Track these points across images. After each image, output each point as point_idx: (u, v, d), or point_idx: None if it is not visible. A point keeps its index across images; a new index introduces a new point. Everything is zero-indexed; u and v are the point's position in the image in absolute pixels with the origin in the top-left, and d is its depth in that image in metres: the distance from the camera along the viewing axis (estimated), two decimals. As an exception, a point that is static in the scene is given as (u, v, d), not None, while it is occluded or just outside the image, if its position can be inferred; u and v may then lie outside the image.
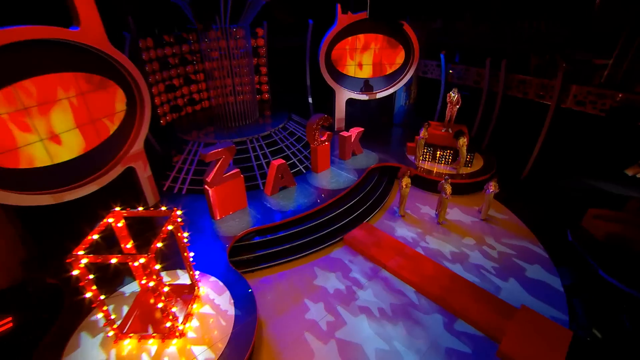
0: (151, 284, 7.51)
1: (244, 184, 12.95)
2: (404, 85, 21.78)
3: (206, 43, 15.85)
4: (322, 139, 15.34)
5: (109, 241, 8.85)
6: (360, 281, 11.37)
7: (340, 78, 19.40)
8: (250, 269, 11.70)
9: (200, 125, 17.29)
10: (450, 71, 19.80)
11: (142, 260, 7.24)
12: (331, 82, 19.04)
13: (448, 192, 13.56)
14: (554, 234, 13.30)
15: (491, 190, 13.84)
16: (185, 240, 9.36)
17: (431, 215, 14.49)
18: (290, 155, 16.06)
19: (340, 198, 14.03)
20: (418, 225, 13.88)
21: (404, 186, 13.93)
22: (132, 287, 10.17)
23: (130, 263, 7.37)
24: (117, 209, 8.51)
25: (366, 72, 19.97)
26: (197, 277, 10.15)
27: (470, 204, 15.21)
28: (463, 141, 15.61)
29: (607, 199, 15.24)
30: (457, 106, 16.68)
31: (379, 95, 20.37)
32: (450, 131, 17.11)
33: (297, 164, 15.88)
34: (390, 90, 20.50)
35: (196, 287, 9.90)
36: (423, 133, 16.17)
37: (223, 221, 12.54)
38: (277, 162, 14.01)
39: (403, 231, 13.51)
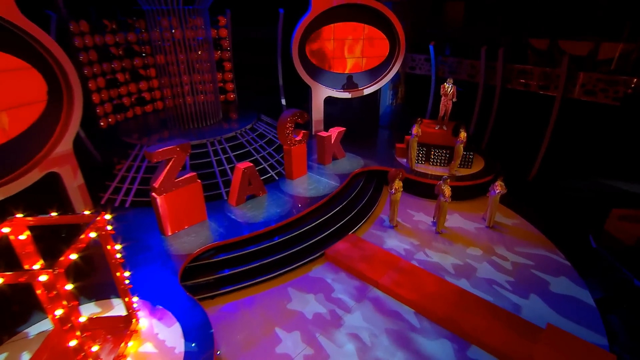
0: (58, 312, 5.88)
1: (202, 191, 11.62)
2: (390, 82, 20.95)
3: (157, 32, 14.57)
4: (297, 138, 14.19)
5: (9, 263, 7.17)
6: (346, 303, 10.10)
7: (317, 73, 18.52)
8: (210, 294, 10.34)
9: (151, 129, 15.86)
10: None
11: (43, 278, 5.63)
12: (306, 77, 18.07)
13: (447, 195, 12.48)
14: (574, 239, 12.53)
15: (497, 192, 12.85)
16: (119, 255, 7.78)
17: (428, 224, 13.59)
18: (260, 159, 14.82)
19: (320, 206, 12.99)
20: (413, 235, 12.93)
21: (395, 191, 12.82)
22: (43, 326, 8.46)
23: (32, 283, 5.76)
24: (19, 215, 6.90)
25: (347, 67, 19.15)
26: (135, 305, 8.52)
27: (473, 209, 14.43)
28: (464, 135, 14.70)
29: (628, 198, 14.53)
30: (453, 100, 15.76)
31: (362, 93, 19.37)
32: (446, 128, 16.16)
33: (268, 169, 14.66)
34: (375, 87, 19.70)
35: (134, 320, 8.28)
36: (416, 130, 15.25)
37: (176, 237, 11.07)
38: (244, 165, 12.78)
39: (395, 243, 12.53)
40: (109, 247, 7.61)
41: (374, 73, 19.64)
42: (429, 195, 15.02)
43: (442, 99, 15.90)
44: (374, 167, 15.82)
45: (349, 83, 19.21)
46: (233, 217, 12.04)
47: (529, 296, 10.27)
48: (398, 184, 12.96)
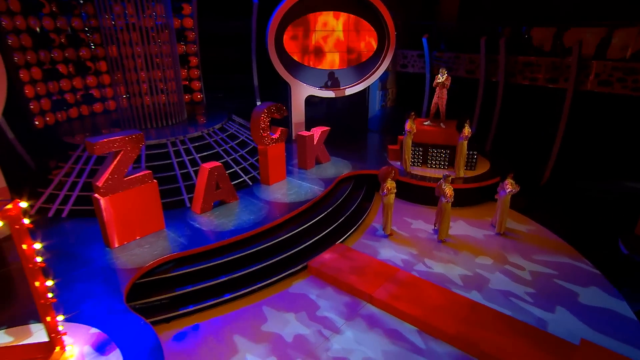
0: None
1: (158, 193, 10.65)
2: (380, 80, 20.44)
3: (108, 20, 13.63)
4: (274, 137, 13.40)
5: None
6: (334, 322, 9.14)
7: (297, 69, 17.85)
8: (166, 315, 9.21)
9: (100, 130, 14.77)
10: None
11: None
12: (284, 73, 17.37)
13: (449, 195, 11.63)
14: (601, 246, 11.96)
15: (508, 191, 12.05)
16: (39, 258, 6.55)
17: (428, 232, 12.93)
18: (231, 162, 13.90)
19: (301, 212, 12.18)
20: (411, 244, 12.22)
21: (387, 192, 12.08)
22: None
23: None
24: None
25: (330, 62, 18.52)
26: (62, 328, 7.22)
27: (479, 216, 13.88)
28: (468, 130, 14.09)
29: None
30: (444, 91, 15.20)
31: (349, 92, 18.80)
32: (444, 126, 15.46)
33: (240, 173, 13.76)
34: (363, 85, 19.11)
35: (58, 347, 6.99)
36: (409, 125, 14.52)
37: (124, 249, 9.98)
38: (211, 164, 11.83)
39: (391, 253, 11.80)
40: (24, 246, 6.38)
41: (362, 69, 19.10)
42: (427, 201, 14.37)
43: (436, 91, 15.28)
44: (364, 171, 15.14)
45: (333, 80, 18.60)
46: (197, 225, 11.08)
47: (555, 309, 9.54)
48: (391, 184, 12.14)
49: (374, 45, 18.95)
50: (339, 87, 18.73)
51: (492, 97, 17.88)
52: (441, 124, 15.64)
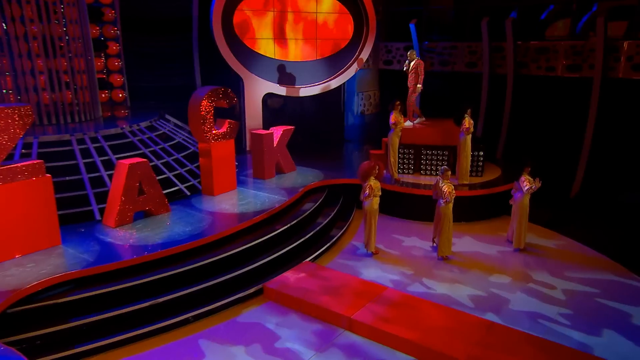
0: None
1: (52, 191, 9.78)
2: (355, 79, 20.19)
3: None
4: (220, 131, 12.86)
5: None
6: (300, 355, 8.31)
7: (252, 60, 17.55)
8: (54, 356, 8.12)
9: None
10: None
11: None
12: (235, 64, 17.02)
13: (447, 193, 11.31)
14: None
15: (526, 189, 11.68)
16: None
17: (425, 249, 12.53)
18: (162, 167, 13.10)
19: (257, 224, 11.58)
20: (404, 263, 11.73)
21: (370, 193, 11.50)
22: None
23: None
24: None
25: (294, 52, 18.38)
26: None
27: (490, 230, 13.66)
28: (469, 122, 13.79)
29: None
30: (421, 78, 15.13)
31: (306, 92, 18.48)
32: (424, 119, 15.79)
33: (175, 181, 13.07)
34: (336, 82, 18.91)
35: None
36: (395, 117, 14.19)
37: None
38: (132, 160, 11.15)
39: (377, 273, 11.27)
40: None
41: (334, 63, 18.92)
42: (422, 216, 13.86)
43: (410, 77, 15.28)
44: (340, 180, 14.83)
45: (298, 75, 18.41)
46: (109, 240, 10.27)
47: (602, 332, 8.97)
48: (375, 184, 11.59)
49: (349, 33, 18.86)
50: (306, 83, 18.48)
51: (500, 94, 17.76)
52: (422, 118, 15.88)
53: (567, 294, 10.15)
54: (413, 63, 14.96)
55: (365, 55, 18.95)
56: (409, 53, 15.18)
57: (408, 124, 15.41)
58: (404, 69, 15.32)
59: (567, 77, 16.36)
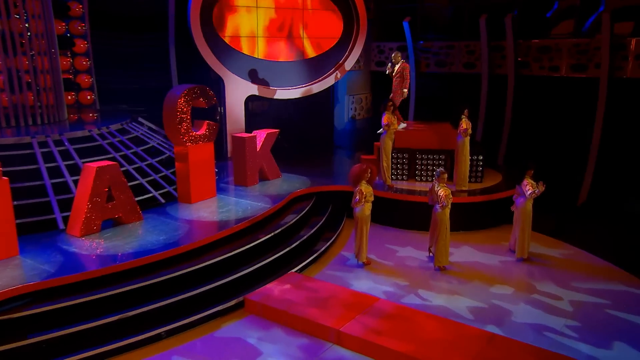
0: None
1: (9, 196, 9.73)
2: (346, 81, 20.40)
3: None
4: (198, 133, 12.96)
5: None
6: None
7: (234, 59, 17.69)
8: None
9: None
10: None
11: None
12: (215, 64, 17.13)
13: (443, 197, 11.38)
14: None
15: (529, 193, 11.89)
16: None
17: (421, 259, 12.68)
18: (134, 172, 13.15)
19: (238, 232, 11.68)
20: (398, 274, 11.85)
21: (361, 198, 11.60)
22: None
23: None
24: None
25: (279, 52, 18.66)
26: None
27: (491, 240, 13.88)
28: (467, 123, 13.89)
29: None
30: (407, 83, 15.20)
31: (288, 95, 18.69)
32: (405, 125, 15.84)
33: (148, 187, 13.10)
34: (324, 83, 19.06)
35: None
36: (387, 118, 14.28)
37: None
38: (100, 164, 11.14)
39: (368, 285, 11.38)
40: None
41: (322, 64, 19.11)
42: (418, 224, 14.00)
43: (394, 82, 15.21)
44: (329, 187, 15.07)
45: (283, 76, 18.60)
46: (74, 249, 10.22)
47: (612, 344, 9.05)
48: (366, 189, 11.67)
49: (338, 31, 19.09)
50: (293, 85, 18.70)
51: (500, 96, 17.98)
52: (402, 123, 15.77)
53: (574, 305, 10.26)
54: (398, 66, 14.99)
55: (355, 55, 19.16)
56: (393, 55, 15.15)
57: (402, 126, 15.49)
58: (387, 72, 15.29)
59: (572, 77, 16.59)
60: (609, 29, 15.21)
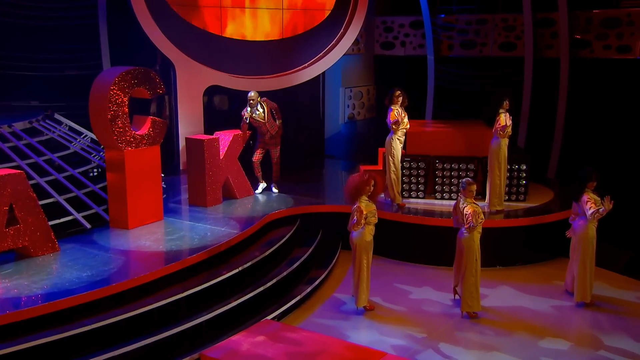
0: None
1: None
2: (340, 66, 20.65)
3: None
4: (139, 132, 13.20)
5: None
6: None
7: (189, 37, 18.09)
8: None
9: None
10: None
11: None
12: (163, 42, 17.37)
13: (470, 215, 11.38)
14: None
15: (590, 212, 11.79)
16: None
17: (443, 303, 12.85)
18: (47, 186, 13.40)
19: (192, 267, 11.83)
20: (411, 322, 11.99)
21: (359, 219, 11.69)
22: None
23: None
24: None
25: (252, 28, 18.95)
26: None
27: (540, 278, 14.01)
28: (505, 119, 13.98)
29: None
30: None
31: (265, 86, 18.69)
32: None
33: (68, 207, 13.28)
34: (311, 72, 19.31)
35: None
36: (395, 115, 14.49)
37: None
38: None
39: (372, 337, 11.54)
40: None
41: (308, 44, 19.45)
42: (438, 257, 14.26)
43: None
44: (319, 207, 15.45)
45: (256, 61, 18.94)
46: None
47: None
48: (367, 208, 11.73)
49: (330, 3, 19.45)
50: (269, 73, 19.03)
51: (550, 86, 18.18)
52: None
53: (656, 367, 10.36)
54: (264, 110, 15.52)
55: (352, 36, 19.38)
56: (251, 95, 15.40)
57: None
58: (245, 118, 15.39)
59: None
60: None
